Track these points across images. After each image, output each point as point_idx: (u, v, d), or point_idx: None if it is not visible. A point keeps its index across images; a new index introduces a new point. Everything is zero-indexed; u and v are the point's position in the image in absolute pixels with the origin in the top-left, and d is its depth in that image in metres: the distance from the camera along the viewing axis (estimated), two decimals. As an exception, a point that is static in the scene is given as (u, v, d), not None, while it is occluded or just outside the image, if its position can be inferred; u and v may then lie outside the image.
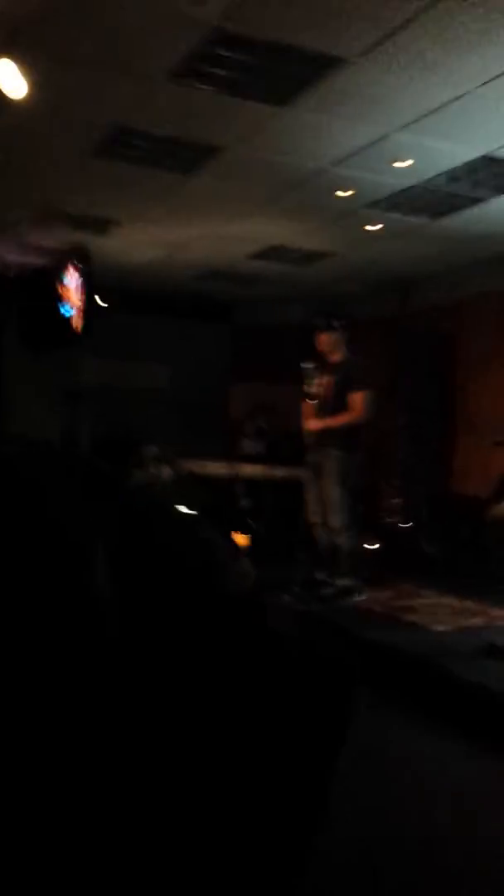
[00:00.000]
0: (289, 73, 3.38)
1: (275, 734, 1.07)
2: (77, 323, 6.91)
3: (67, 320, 7.06)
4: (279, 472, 6.53)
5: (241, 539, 6.09)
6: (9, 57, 3.27)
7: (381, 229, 5.56)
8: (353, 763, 2.40)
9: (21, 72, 3.36)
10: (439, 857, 2.21)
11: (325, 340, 4.87)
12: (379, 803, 2.48)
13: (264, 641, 1.16)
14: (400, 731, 3.07)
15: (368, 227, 5.49)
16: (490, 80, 3.34)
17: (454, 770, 2.76)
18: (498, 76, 3.30)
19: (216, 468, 6.92)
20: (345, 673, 1.19)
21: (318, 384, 4.84)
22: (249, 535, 6.13)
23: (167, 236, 6.06)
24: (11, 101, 3.53)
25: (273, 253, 6.35)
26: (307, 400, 4.85)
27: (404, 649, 3.63)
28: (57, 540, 0.96)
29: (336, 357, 4.89)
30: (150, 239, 6.15)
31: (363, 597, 4.71)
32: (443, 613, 4.36)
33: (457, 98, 3.52)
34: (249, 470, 6.82)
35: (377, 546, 5.94)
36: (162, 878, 0.98)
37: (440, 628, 4.06)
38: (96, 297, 6.96)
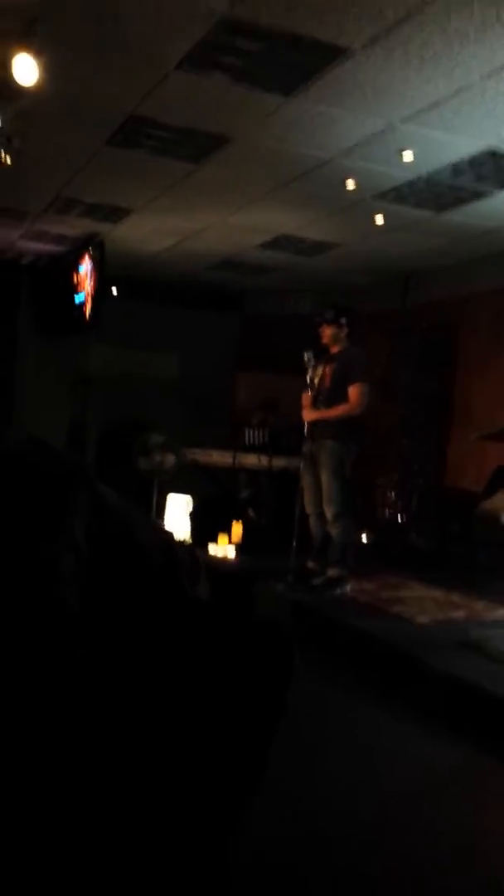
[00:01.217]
0: (295, 62, 3.41)
1: (218, 699, 1.12)
2: (88, 310, 7.00)
3: (80, 307, 7.16)
4: (280, 462, 6.58)
5: (237, 528, 6.16)
6: (25, 48, 3.33)
7: (386, 222, 5.59)
8: (322, 743, 2.46)
9: (37, 63, 3.41)
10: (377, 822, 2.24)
11: (327, 332, 4.91)
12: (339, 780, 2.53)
13: (202, 614, 1.20)
14: (371, 715, 3.12)
15: (374, 219, 5.51)
16: (492, 74, 3.35)
17: (415, 752, 2.81)
18: (498, 69, 3.31)
19: (220, 457, 6.98)
20: (284, 645, 1.23)
21: (317, 374, 4.88)
22: (249, 524, 6.20)
23: (178, 225, 6.12)
24: (27, 90, 3.59)
25: (281, 242, 6.38)
26: (307, 390, 4.90)
27: (382, 639, 3.67)
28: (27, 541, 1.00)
29: (337, 348, 4.93)
30: (161, 227, 6.21)
31: (350, 587, 4.75)
32: (428, 606, 4.39)
33: (459, 90, 3.53)
34: (251, 460, 6.87)
35: (371, 538, 5.97)
36: (109, 833, 1.02)
37: (422, 620, 4.09)
38: (108, 285, 7.05)
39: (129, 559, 1.13)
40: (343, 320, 4.90)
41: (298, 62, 3.42)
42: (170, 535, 1.28)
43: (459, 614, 4.22)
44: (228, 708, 1.12)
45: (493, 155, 4.26)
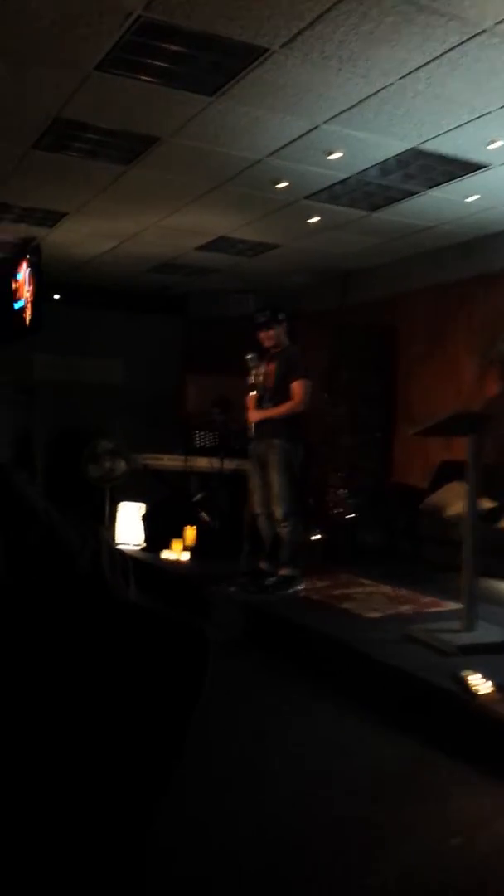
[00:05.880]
0: (216, 62, 3.39)
1: (130, 693, 1.17)
2: (27, 316, 6.88)
3: (19, 314, 7.02)
4: (231, 464, 6.56)
5: (190, 532, 6.13)
6: None
7: (320, 221, 5.61)
8: (275, 736, 2.46)
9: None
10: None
11: (264, 335, 4.91)
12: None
13: (123, 613, 1.25)
14: (321, 710, 3.14)
15: (309, 219, 5.53)
16: (408, 74, 3.38)
17: (362, 745, 2.83)
18: (414, 70, 3.34)
19: (170, 461, 6.94)
20: (199, 640, 1.27)
21: (259, 374, 4.88)
22: (202, 528, 6.17)
23: (115, 228, 6.05)
24: None
25: (220, 244, 6.36)
26: (250, 390, 4.89)
27: (332, 634, 3.70)
28: None
29: (277, 347, 4.93)
30: (98, 231, 6.13)
31: (302, 586, 4.77)
32: (376, 602, 4.44)
33: (379, 90, 3.56)
34: (202, 463, 6.83)
35: (321, 536, 6.00)
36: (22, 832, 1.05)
37: (371, 615, 4.14)
38: (48, 291, 6.93)
39: (53, 564, 1.20)
40: (281, 316, 4.91)
41: (219, 62, 3.40)
42: (99, 534, 1.32)
43: (406, 609, 4.28)
44: (141, 700, 1.18)
45: (418, 154, 4.31)
